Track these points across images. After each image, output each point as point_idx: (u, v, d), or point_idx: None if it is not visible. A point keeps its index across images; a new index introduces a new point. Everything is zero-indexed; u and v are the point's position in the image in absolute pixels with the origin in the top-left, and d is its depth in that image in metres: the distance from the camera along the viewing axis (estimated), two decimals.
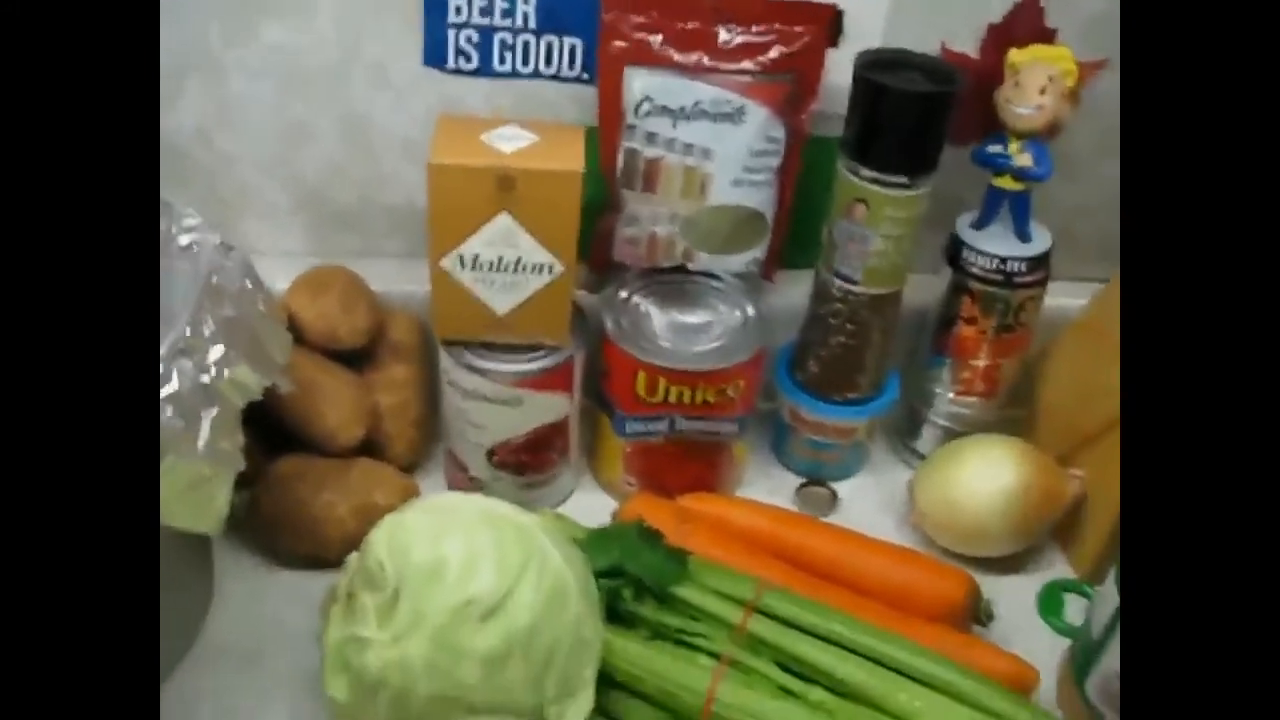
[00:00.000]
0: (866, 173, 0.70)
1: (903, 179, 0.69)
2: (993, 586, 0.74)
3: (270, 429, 0.72)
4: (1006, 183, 0.74)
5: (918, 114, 0.67)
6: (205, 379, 0.56)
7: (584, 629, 0.60)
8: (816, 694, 0.61)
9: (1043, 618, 0.75)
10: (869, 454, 0.85)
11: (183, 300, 0.57)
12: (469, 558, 0.59)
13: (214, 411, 0.56)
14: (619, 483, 0.78)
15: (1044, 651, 0.70)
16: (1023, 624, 0.74)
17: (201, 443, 0.55)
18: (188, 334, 0.55)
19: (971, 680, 0.62)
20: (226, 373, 0.57)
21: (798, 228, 0.79)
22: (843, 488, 0.83)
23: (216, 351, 0.57)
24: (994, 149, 0.74)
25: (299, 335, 0.73)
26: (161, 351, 0.54)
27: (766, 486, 0.82)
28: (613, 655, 0.63)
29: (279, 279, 0.75)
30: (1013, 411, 0.83)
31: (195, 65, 0.75)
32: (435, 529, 0.60)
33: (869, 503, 0.82)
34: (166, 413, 0.53)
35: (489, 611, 0.58)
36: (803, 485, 0.82)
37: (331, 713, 0.61)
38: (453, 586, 0.58)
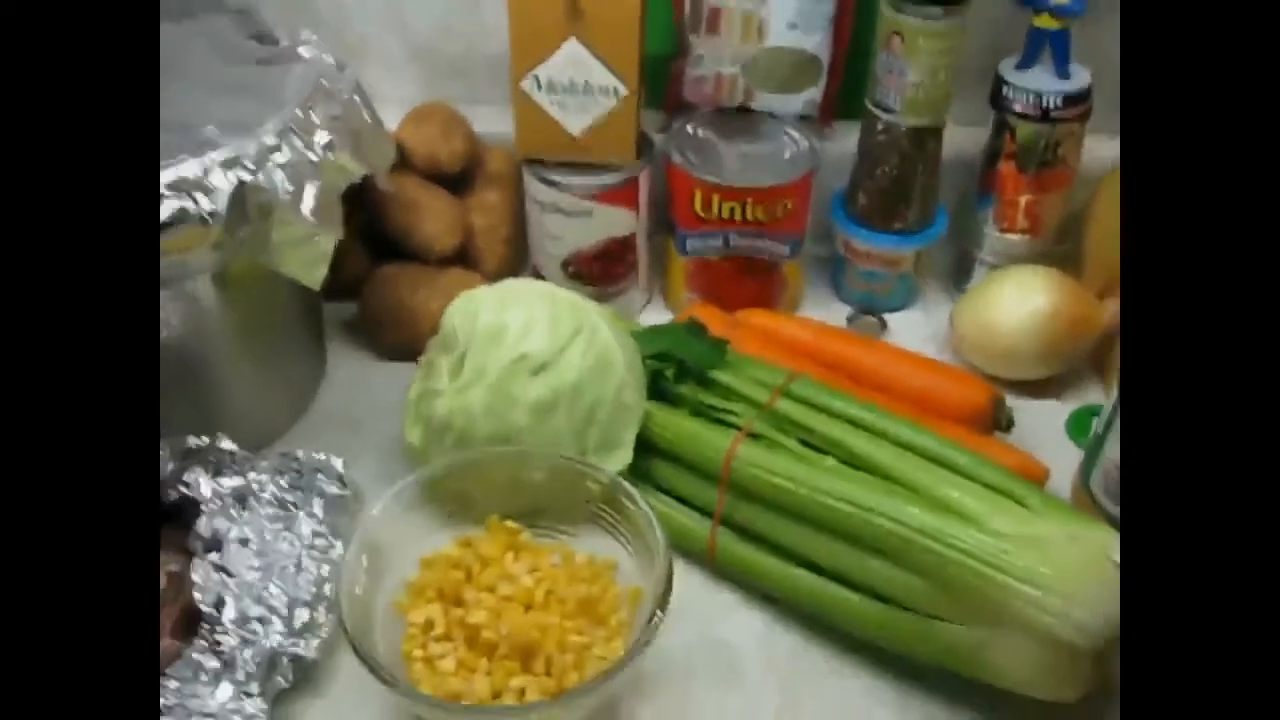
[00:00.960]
0: (903, 5, 0.77)
1: (935, 10, 0.76)
2: (1027, 408, 0.80)
3: (378, 241, 0.84)
4: (1045, 21, 0.80)
5: None
6: (312, 156, 0.67)
7: (625, 395, 0.70)
8: (829, 462, 0.68)
9: (1071, 438, 0.81)
10: (919, 289, 0.92)
11: (294, 93, 0.68)
12: (526, 323, 0.69)
13: (318, 184, 0.67)
14: (683, 301, 0.87)
15: (1069, 469, 0.75)
16: (1052, 443, 0.79)
17: (306, 207, 0.66)
18: (298, 115, 0.67)
19: (975, 459, 0.68)
20: (330, 155, 0.68)
21: (855, 80, 0.86)
22: (893, 319, 0.90)
23: (322, 136, 0.68)
24: None
25: (405, 159, 0.84)
26: (273, 126, 0.65)
27: (821, 314, 0.89)
28: (651, 423, 0.72)
29: (394, 119, 0.86)
30: (1060, 248, 0.88)
31: None
32: (500, 301, 0.71)
33: (916, 333, 0.89)
34: (278, 178, 0.65)
35: (539, 367, 0.68)
36: (854, 314, 0.90)
37: (409, 457, 0.72)
38: (510, 345, 0.68)
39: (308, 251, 0.67)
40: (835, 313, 0.90)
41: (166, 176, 0.61)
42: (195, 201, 0.61)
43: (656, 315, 0.89)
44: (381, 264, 0.84)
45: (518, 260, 0.90)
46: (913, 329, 0.89)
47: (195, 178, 0.62)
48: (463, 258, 0.85)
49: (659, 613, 0.59)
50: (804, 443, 0.69)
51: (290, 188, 0.65)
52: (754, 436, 0.69)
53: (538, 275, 0.87)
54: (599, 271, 0.85)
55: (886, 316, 0.90)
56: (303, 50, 0.72)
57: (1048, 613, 0.58)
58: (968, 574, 0.60)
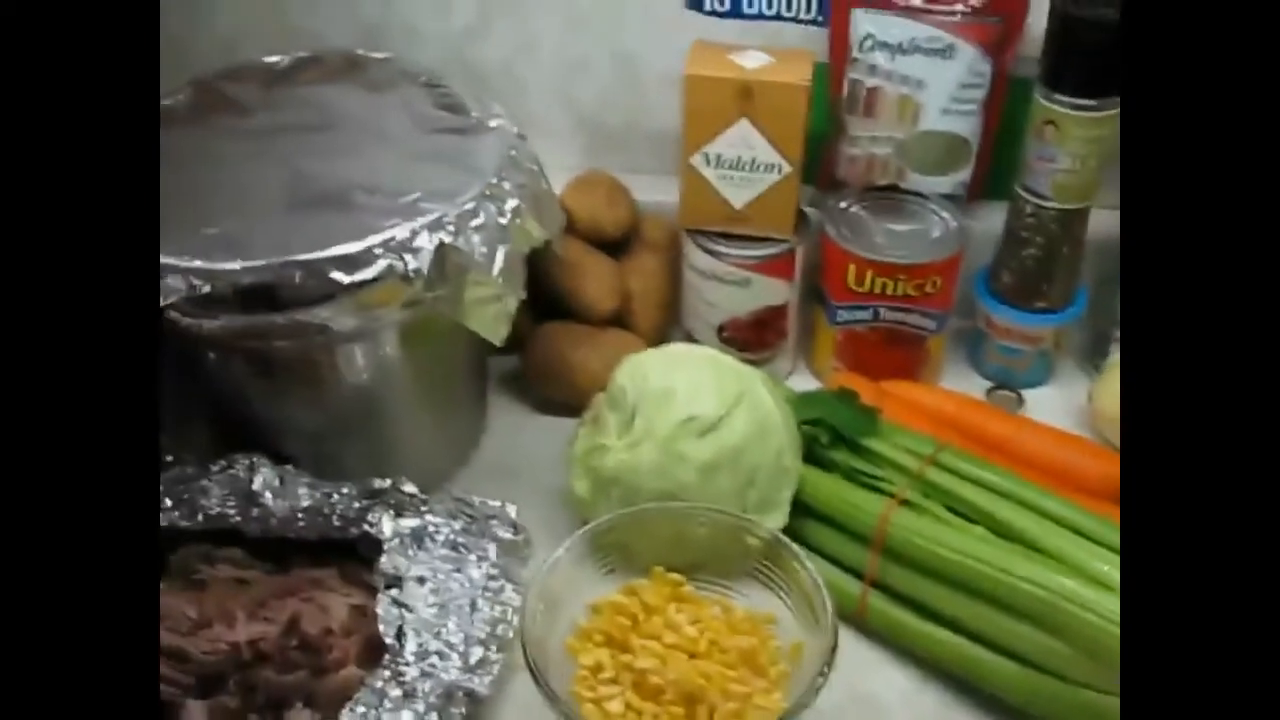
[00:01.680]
0: (1056, 96, 0.80)
1: (1089, 101, 0.79)
2: None
3: (542, 301, 0.89)
4: None
5: (1101, 40, 0.77)
6: (503, 220, 0.72)
7: (784, 459, 0.74)
8: (978, 531, 0.71)
9: None
10: (1056, 367, 0.94)
11: (489, 162, 0.74)
12: (694, 386, 0.73)
13: (508, 247, 0.72)
14: (829, 370, 0.91)
15: None
16: None
17: (496, 269, 0.71)
18: (494, 182, 0.72)
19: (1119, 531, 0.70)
20: (518, 221, 0.73)
21: (1001, 163, 0.89)
22: (1030, 395, 0.93)
23: (512, 202, 0.73)
24: None
25: (570, 224, 0.89)
26: (472, 194, 0.70)
27: (960, 387, 0.92)
28: (806, 486, 0.75)
29: (558, 186, 0.91)
30: None
31: (501, 10, 0.93)
32: (668, 364, 0.75)
33: (1052, 409, 0.91)
34: (475, 240, 0.70)
35: (707, 429, 0.72)
36: (992, 389, 0.93)
37: (574, 508, 0.76)
38: (679, 407, 0.72)
39: (494, 310, 0.72)
40: (974, 386, 0.93)
41: (377, 237, 0.66)
42: (403, 260, 0.66)
43: (801, 382, 0.92)
44: (543, 322, 0.89)
45: (671, 324, 0.94)
46: (1050, 405, 0.91)
47: (403, 239, 0.67)
48: (620, 319, 0.90)
49: (826, 668, 0.62)
50: (953, 510, 0.72)
51: (485, 250, 0.70)
52: (905, 503, 0.72)
53: (690, 339, 0.91)
54: (752, 338, 0.89)
55: (1024, 393, 0.92)
56: (491, 122, 0.78)
57: None
58: (1112, 640, 0.62)
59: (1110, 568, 0.65)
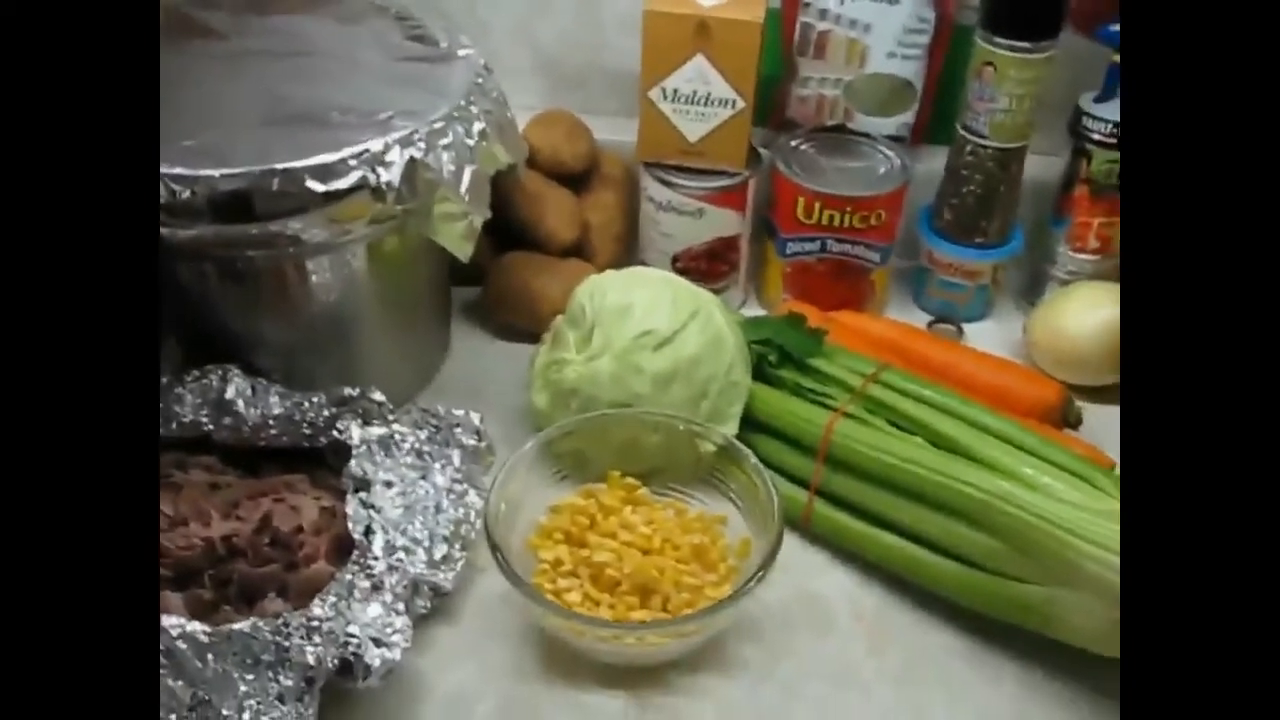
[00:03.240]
0: (995, 39, 0.85)
1: (1025, 44, 0.84)
2: (1095, 411, 0.87)
3: (503, 232, 0.92)
4: None
5: None
6: (470, 142, 0.75)
7: (735, 373, 0.78)
8: (918, 440, 0.76)
9: None
10: (995, 301, 0.99)
11: (458, 86, 0.77)
12: (651, 303, 0.77)
13: (475, 167, 0.75)
14: (779, 301, 0.95)
15: None
16: (1118, 443, 0.86)
17: (463, 187, 0.74)
18: (461, 105, 0.75)
19: (1049, 444, 0.75)
20: (484, 143, 0.77)
21: (944, 107, 0.94)
22: (969, 328, 0.97)
23: (479, 125, 0.76)
24: (1114, 28, 0.87)
25: (532, 158, 0.92)
26: (441, 113, 0.74)
27: (904, 320, 0.96)
28: (755, 401, 0.79)
29: (520, 123, 0.94)
30: None
31: None
32: (627, 283, 0.79)
33: (990, 341, 0.95)
34: (444, 158, 0.73)
35: (662, 342, 0.76)
36: (934, 321, 0.97)
37: (535, 420, 0.80)
38: (636, 322, 0.76)
39: (461, 227, 0.76)
40: (916, 319, 0.98)
41: (349, 150, 0.69)
42: (375, 173, 0.70)
43: (752, 313, 0.96)
44: (505, 253, 0.92)
45: (628, 256, 0.97)
46: (988, 337, 0.96)
47: (376, 152, 0.70)
48: (579, 250, 0.93)
49: (770, 558, 0.66)
50: (893, 424, 0.76)
51: (452, 168, 0.73)
52: (848, 416, 0.76)
53: None
54: (706, 268, 0.93)
55: (964, 326, 0.97)
56: (460, 52, 0.81)
57: (1117, 574, 0.64)
58: (1046, 538, 0.67)
59: (1037, 471, 0.70)
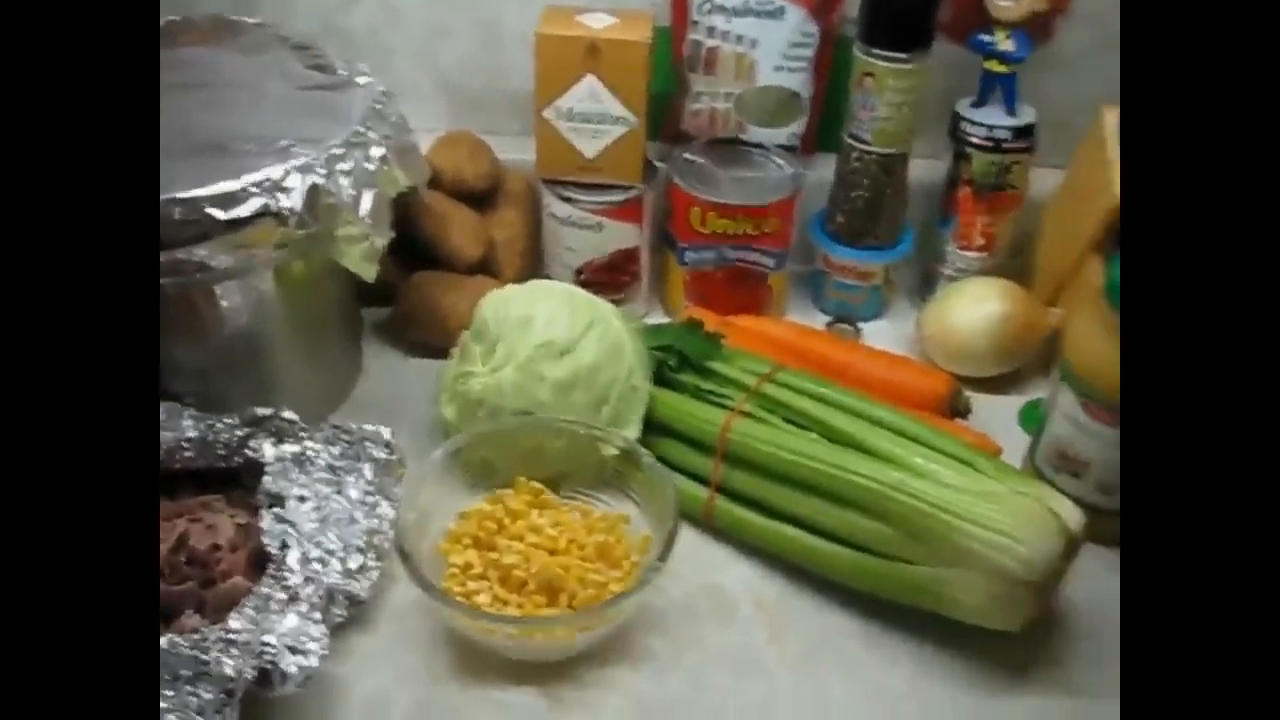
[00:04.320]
0: (873, 51, 0.89)
1: (901, 55, 0.88)
2: (984, 401, 0.92)
3: (411, 252, 0.95)
4: (995, 65, 0.92)
5: (908, 2, 0.86)
6: (369, 166, 0.78)
7: (634, 379, 0.81)
8: (813, 435, 0.79)
9: (1022, 427, 0.92)
10: (889, 301, 1.03)
11: (356, 113, 0.80)
12: (551, 314, 0.80)
13: (375, 190, 0.78)
14: (681, 309, 0.99)
15: (1020, 451, 0.86)
16: (1006, 430, 0.90)
17: (364, 210, 0.77)
18: (359, 131, 0.78)
19: (936, 433, 0.79)
20: (384, 167, 0.79)
21: (832, 116, 0.98)
22: (866, 327, 1.02)
23: (378, 151, 0.79)
24: (985, 37, 0.92)
25: (436, 179, 0.95)
26: (340, 139, 0.76)
27: (803, 322, 1.00)
28: (656, 405, 0.82)
29: (424, 146, 0.97)
30: (1013, 263, 1.00)
31: None
32: (528, 296, 0.82)
33: (886, 338, 1.00)
34: (344, 183, 0.76)
35: (562, 351, 0.79)
36: (832, 322, 1.01)
37: (444, 430, 0.83)
38: (537, 332, 0.79)
39: (364, 249, 0.78)
40: (815, 321, 1.02)
41: (251, 177, 0.72)
42: (275, 199, 0.72)
43: (656, 321, 1.00)
44: (412, 273, 0.95)
45: (533, 271, 1.00)
46: (883, 335, 1.01)
47: (276, 179, 0.73)
48: (485, 267, 0.96)
49: (666, 550, 0.70)
50: (789, 421, 0.80)
51: (352, 192, 0.76)
52: (745, 415, 0.80)
53: None
54: (607, 280, 0.96)
55: (861, 325, 1.01)
56: (358, 80, 0.84)
57: (997, 550, 0.68)
58: (931, 521, 0.70)
59: (925, 460, 0.74)
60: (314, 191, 0.74)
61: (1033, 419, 0.91)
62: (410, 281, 0.94)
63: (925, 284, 1.03)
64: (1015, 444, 0.86)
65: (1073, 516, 0.71)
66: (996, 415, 0.92)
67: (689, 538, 0.80)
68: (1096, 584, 0.77)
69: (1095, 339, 0.76)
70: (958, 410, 0.90)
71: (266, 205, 0.72)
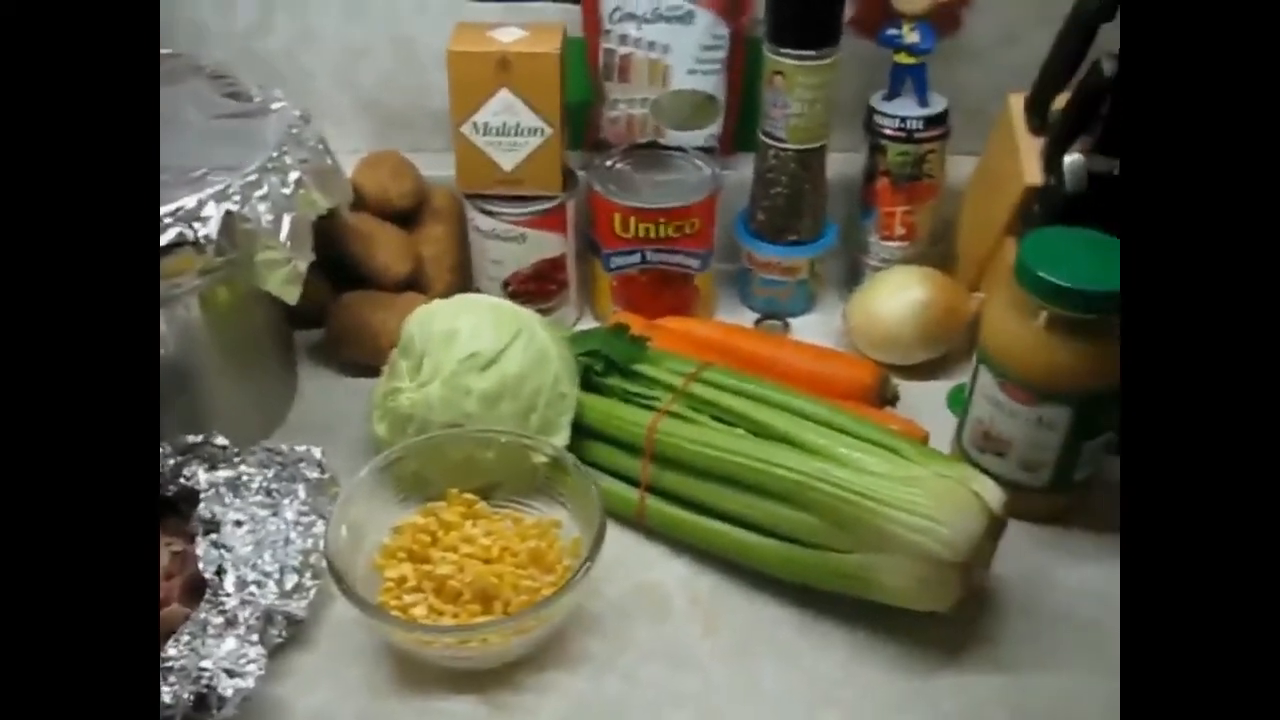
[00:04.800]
0: (781, 50, 0.91)
1: (809, 52, 0.90)
2: (912, 388, 0.94)
3: (339, 272, 0.96)
4: (904, 58, 0.94)
5: (812, 1, 0.88)
6: (286, 191, 0.79)
7: (561, 386, 0.82)
8: (739, 431, 0.81)
9: (950, 409, 0.94)
10: (817, 294, 1.05)
11: (270, 139, 0.81)
12: (475, 327, 0.81)
13: (293, 214, 0.79)
14: (609, 314, 1.00)
15: (949, 433, 0.88)
16: (935, 415, 0.91)
17: (284, 234, 0.78)
18: (274, 156, 0.79)
19: (859, 421, 0.80)
20: (302, 190, 0.80)
21: (748, 116, 1.00)
22: (795, 322, 1.03)
23: (295, 174, 0.80)
24: (892, 31, 0.94)
25: (360, 200, 0.96)
26: (255, 166, 0.77)
27: (734, 320, 1.02)
28: (584, 410, 0.83)
29: (348, 168, 0.98)
30: (935, 250, 1.02)
31: (282, 4, 1.00)
32: (453, 310, 0.83)
33: (816, 332, 1.02)
34: (261, 209, 0.77)
35: (488, 362, 0.80)
36: (760, 319, 1.03)
37: (376, 447, 0.83)
38: (461, 345, 0.80)
39: (285, 272, 0.79)
40: (744, 319, 1.03)
41: (166, 208, 0.73)
42: (192, 229, 0.73)
43: (587, 327, 1.01)
44: (342, 292, 0.96)
45: (463, 285, 1.01)
46: (813, 329, 1.02)
47: (191, 209, 0.73)
48: (414, 284, 0.97)
49: (594, 552, 0.71)
50: (716, 419, 0.81)
51: (270, 217, 0.77)
52: (672, 415, 0.81)
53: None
54: (534, 290, 0.97)
55: (790, 320, 1.03)
56: (273, 105, 0.85)
57: (920, 534, 0.70)
58: (854, 509, 0.72)
59: (848, 449, 0.75)
60: (230, 218, 0.75)
61: (959, 402, 0.93)
62: (340, 301, 0.95)
63: (851, 276, 1.05)
64: (944, 428, 0.88)
65: (994, 496, 0.72)
66: (925, 401, 0.93)
67: (622, 539, 0.81)
68: (1023, 561, 0.79)
69: (1009, 321, 0.77)
70: (886, 398, 0.91)
71: (183, 234, 0.73)
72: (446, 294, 0.97)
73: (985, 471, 0.76)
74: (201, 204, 0.74)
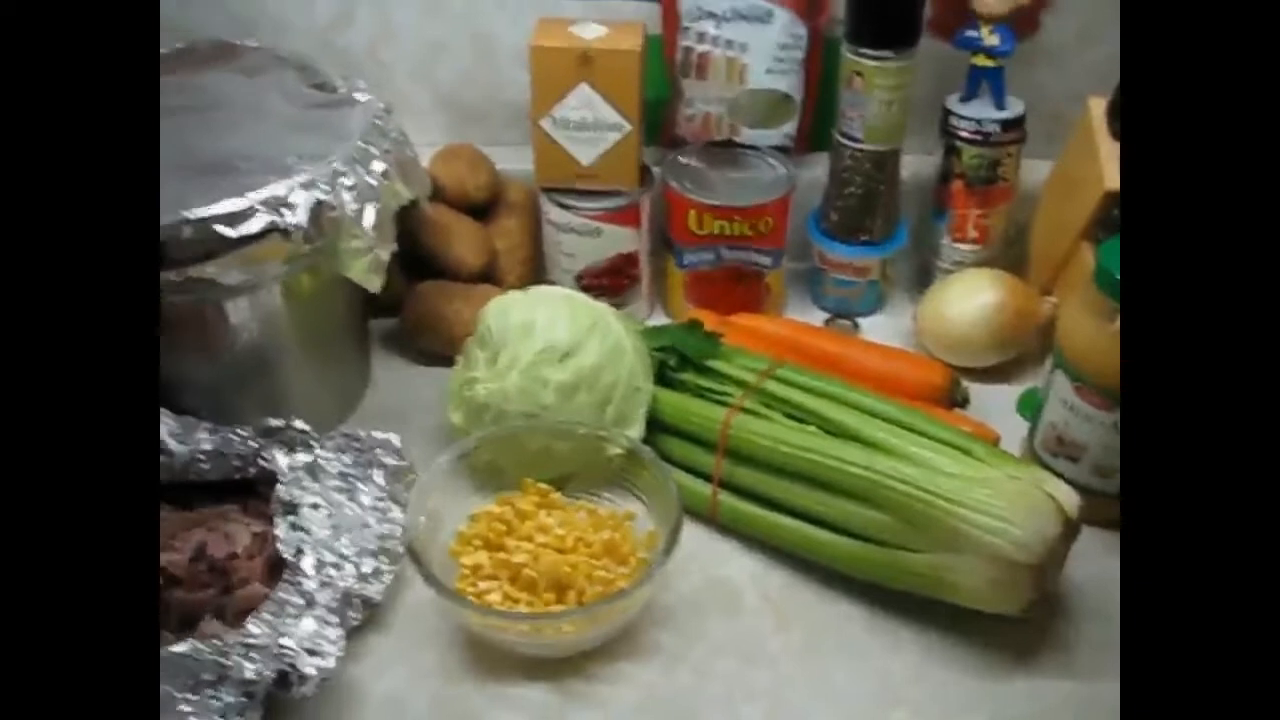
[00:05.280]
0: (860, 50, 0.91)
1: (887, 53, 0.90)
2: (983, 390, 0.94)
3: (416, 263, 0.97)
4: (981, 60, 0.94)
5: (893, 1, 0.88)
6: (371, 180, 0.80)
7: (636, 379, 0.83)
8: (810, 428, 0.81)
9: (1021, 414, 0.93)
10: (887, 295, 1.05)
11: (356, 129, 0.82)
12: (551, 319, 0.82)
13: (378, 204, 0.80)
14: (682, 310, 1.01)
15: (1019, 437, 0.88)
16: (1005, 418, 0.91)
17: (368, 223, 0.79)
18: (360, 146, 0.80)
19: (931, 421, 0.80)
20: (385, 180, 0.81)
21: (824, 115, 1.00)
22: (864, 322, 1.03)
23: (379, 164, 0.81)
24: (970, 33, 0.94)
25: (438, 192, 0.97)
26: (340, 155, 0.79)
27: (803, 319, 1.02)
28: (658, 404, 0.84)
29: (425, 160, 1.00)
30: (1007, 254, 1.02)
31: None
32: (529, 302, 0.84)
33: (884, 333, 1.02)
34: (347, 198, 0.78)
35: (564, 354, 0.81)
36: (830, 318, 1.03)
37: (452, 436, 0.84)
38: (538, 337, 0.81)
39: (369, 261, 0.80)
40: (814, 318, 1.03)
41: (255, 195, 0.74)
42: (281, 216, 0.74)
43: (659, 322, 1.02)
44: (417, 283, 0.97)
45: (535, 278, 1.02)
46: (882, 329, 1.02)
47: (280, 196, 0.75)
48: (488, 276, 0.98)
49: (671, 545, 0.72)
50: (788, 415, 0.81)
51: (355, 206, 0.78)
52: (745, 411, 0.82)
53: None
54: (608, 284, 0.98)
55: (859, 320, 1.03)
56: (357, 96, 0.86)
57: (993, 535, 0.70)
58: (927, 507, 0.72)
59: (920, 449, 0.76)
60: (318, 207, 0.76)
61: (1030, 406, 0.92)
62: (416, 291, 0.96)
63: (922, 277, 1.05)
64: (1015, 431, 0.88)
65: (1069, 500, 0.72)
66: (995, 404, 0.93)
67: (694, 533, 0.81)
68: (1097, 566, 0.79)
69: (1086, 325, 0.77)
70: (956, 400, 0.91)
71: (273, 222, 0.74)
72: (519, 286, 0.98)
73: (1058, 476, 0.76)
74: (290, 191, 0.75)
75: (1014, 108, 0.95)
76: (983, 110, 0.95)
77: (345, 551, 0.75)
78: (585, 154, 0.93)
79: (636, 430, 0.82)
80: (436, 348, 0.95)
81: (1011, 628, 0.74)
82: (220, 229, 0.73)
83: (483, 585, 0.74)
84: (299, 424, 0.81)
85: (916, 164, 1.01)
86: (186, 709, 0.65)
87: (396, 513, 0.79)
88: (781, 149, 1.00)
